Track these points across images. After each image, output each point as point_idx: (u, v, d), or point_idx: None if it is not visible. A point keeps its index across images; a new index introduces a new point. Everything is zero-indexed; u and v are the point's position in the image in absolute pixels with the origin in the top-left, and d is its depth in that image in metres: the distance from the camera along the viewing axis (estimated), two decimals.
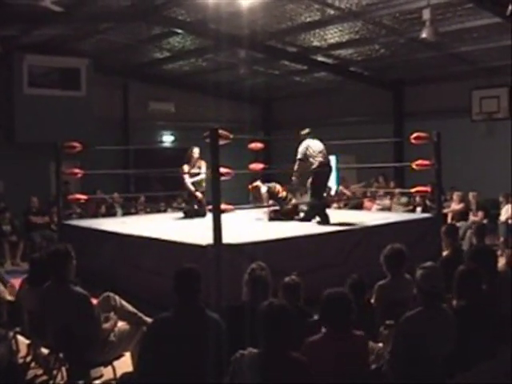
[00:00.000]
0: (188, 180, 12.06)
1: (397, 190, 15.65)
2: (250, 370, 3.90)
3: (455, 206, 14.51)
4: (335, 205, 16.67)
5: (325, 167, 10.84)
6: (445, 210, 13.59)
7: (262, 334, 3.95)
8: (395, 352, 4.70)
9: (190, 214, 12.09)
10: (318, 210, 10.84)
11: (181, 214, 12.67)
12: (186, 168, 12.05)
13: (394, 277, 6.34)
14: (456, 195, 14.53)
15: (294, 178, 11.13)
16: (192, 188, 12.04)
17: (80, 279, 6.06)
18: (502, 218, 13.68)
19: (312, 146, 10.88)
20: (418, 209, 14.79)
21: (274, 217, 11.34)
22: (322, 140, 11.10)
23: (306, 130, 11.31)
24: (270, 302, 4.13)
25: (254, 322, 4.06)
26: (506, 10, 10.54)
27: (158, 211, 16.04)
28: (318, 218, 10.76)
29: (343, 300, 4.50)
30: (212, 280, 7.55)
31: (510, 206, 13.74)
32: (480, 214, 14.20)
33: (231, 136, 8.85)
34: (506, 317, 5.22)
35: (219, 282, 7.71)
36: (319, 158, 10.76)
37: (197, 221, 11.57)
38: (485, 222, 13.62)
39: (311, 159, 10.76)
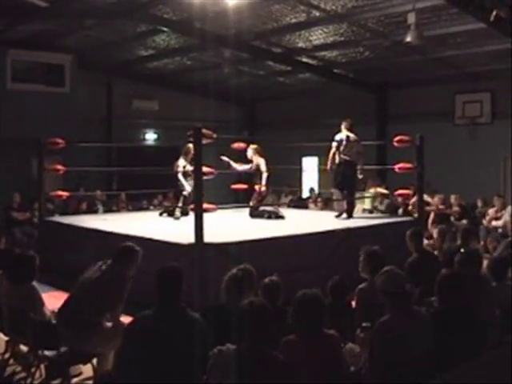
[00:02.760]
0: (181, 176, 11.91)
1: (378, 189, 15.66)
2: (227, 366, 3.92)
3: (436, 206, 14.56)
4: (312, 206, 16.73)
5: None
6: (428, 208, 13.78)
7: (241, 332, 3.97)
8: (372, 356, 4.72)
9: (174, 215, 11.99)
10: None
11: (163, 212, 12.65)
12: (181, 162, 11.90)
13: (374, 279, 6.35)
14: (438, 197, 14.60)
15: None
16: (185, 185, 11.87)
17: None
18: (499, 223, 13.72)
19: None
20: (399, 211, 14.85)
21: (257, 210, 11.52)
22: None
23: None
24: (250, 300, 4.14)
25: (232, 322, 4.07)
26: (490, 15, 10.62)
27: (140, 209, 16.01)
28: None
29: (314, 301, 4.52)
30: (193, 279, 7.54)
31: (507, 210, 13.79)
32: (455, 209, 14.31)
33: (214, 135, 8.86)
34: (487, 320, 5.26)
35: (201, 282, 7.71)
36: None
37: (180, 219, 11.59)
38: (464, 223, 13.75)
39: None
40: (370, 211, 14.89)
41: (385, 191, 15.36)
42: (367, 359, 4.80)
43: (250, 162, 12.01)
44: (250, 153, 11.92)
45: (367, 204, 15.22)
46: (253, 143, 12.35)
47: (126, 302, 6.08)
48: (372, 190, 15.27)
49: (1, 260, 7.33)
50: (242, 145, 12.63)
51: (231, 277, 5.45)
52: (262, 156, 11.86)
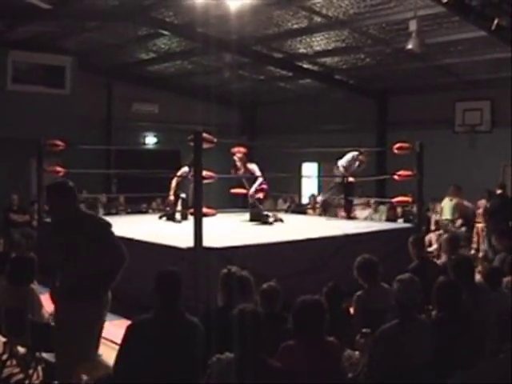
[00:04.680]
0: (174, 183, 11.98)
1: (372, 200, 15.59)
2: (226, 375, 3.91)
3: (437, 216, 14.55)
4: (311, 211, 16.67)
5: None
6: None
7: (235, 339, 3.97)
8: (371, 363, 4.72)
9: (172, 218, 12.02)
10: None
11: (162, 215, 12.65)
12: (183, 170, 11.95)
13: (371, 286, 6.35)
14: (439, 207, 14.57)
15: None
16: (173, 191, 11.96)
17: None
18: None
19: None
20: (400, 220, 14.80)
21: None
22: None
23: None
24: (241, 307, 4.14)
25: (230, 327, 4.08)
26: (491, 24, 10.64)
27: (139, 212, 15.99)
28: None
29: (315, 307, 4.51)
30: (191, 283, 7.53)
31: None
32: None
33: (215, 140, 8.85)
34: (485, 328, 5.26)
35: (199, 286, 7.70)
36: None
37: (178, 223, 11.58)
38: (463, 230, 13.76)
39: None
40: (451, 221, 14.22)
41: (467, 203, 14.59)
42: (366, 364, 4.80)
43: (238, 169, 11.91)
44: (238, 161, 11.81)
45: (447, 214, 14.27)
46: (249, 148, 12.33)
47: (125, 305, 6.08)
48: (454, 201, 14.24)
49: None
50: (241, 149, 12.60)
51: (223, 280, 5.47)
52: (251, 161, 11.86)
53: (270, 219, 11.59)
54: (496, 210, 12.73)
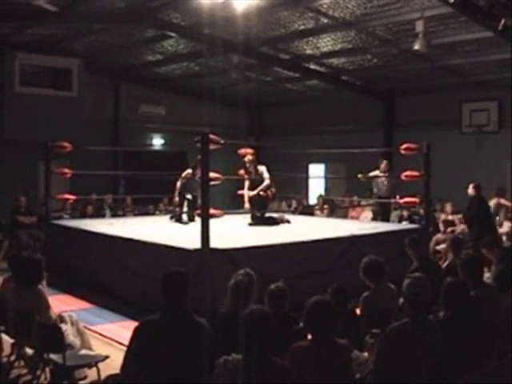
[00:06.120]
0: (179, 184, 12.02)
1: (501, 200, 15.12)
2: (233, 375, 3.91)
3: (447, 216, 14.49)
4: (318, 212, 16.66)
5: None
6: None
7: (244, 341, 3.96)
8: (379, 362, 4.71)
9: (179, 219, 12.05)
10: None
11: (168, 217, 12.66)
12: (187, 171, 11.98)
13: (377, 287, 6.34)
14: (449, 206, 14.51)
15: None
16: (177, 192, 12.01)
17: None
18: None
19: None
20: (404, 223, 14.76)
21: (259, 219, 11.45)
22: None
23: None
24: (251, 308, 4.14)
25: (238, 330, 4.07)
26: (498, 24, 10.61)
27: (146, 213, 16.02)
28: None
29: (328, 308, 4.50)
30: (199, 285, 7.54)
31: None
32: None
33: (222, 141, 8.85)
34: (493, 327, 5.24)
35: (206, 287, 7.71)
36: None
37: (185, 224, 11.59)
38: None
39: None
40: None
41: (508, 203, 14.15)
42: (373, 361, 4.79)
43: (249, 172, 11.85)
44: (249, 164, 11.78)
45: None
46: (256, 149, 12.35)
47: (132, 306, 6.09)
48: (494, 201, 13.88)
49: (7, 263, 7.34)
50: (248, 150, 12.59)
51: (236, 282, 5.46)
52: (260, 163, 11.86)
53: (274, 221, 11.60)
54: (476, 214, 12.17)
